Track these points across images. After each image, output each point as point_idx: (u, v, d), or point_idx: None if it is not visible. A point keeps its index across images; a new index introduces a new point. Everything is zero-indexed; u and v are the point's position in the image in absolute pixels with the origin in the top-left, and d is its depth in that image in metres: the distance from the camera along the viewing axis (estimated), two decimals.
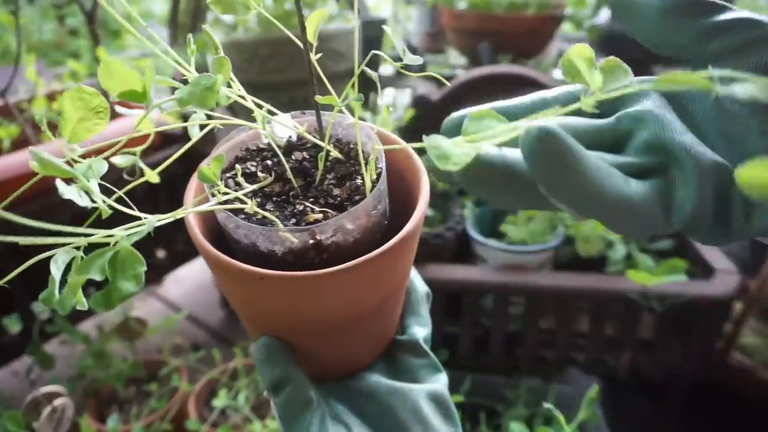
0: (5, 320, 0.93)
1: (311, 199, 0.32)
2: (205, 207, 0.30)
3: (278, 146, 0.35)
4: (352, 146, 0.36)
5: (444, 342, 0.99)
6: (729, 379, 1.11)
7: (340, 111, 0.33)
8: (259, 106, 0.33)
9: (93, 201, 0.25)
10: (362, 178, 0.33)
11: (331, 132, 0.35)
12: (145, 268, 0.24)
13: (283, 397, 0.32)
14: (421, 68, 0.36)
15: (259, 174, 0.33)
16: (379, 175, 0.32)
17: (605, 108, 0.28)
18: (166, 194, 1.07)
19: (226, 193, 0.30)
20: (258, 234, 0.30)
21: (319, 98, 0.32)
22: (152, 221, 0.25)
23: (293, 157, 0.34)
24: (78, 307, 0.25)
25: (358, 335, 0.34)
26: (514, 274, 0.89)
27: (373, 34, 1.62)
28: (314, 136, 0.35)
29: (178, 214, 0.28)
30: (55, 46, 1.68)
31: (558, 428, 0.53)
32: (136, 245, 0.25)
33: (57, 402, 0.72)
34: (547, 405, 0.51)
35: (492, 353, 0.97)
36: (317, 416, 0.32)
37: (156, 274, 1.18)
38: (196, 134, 0.30)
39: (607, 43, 1.90)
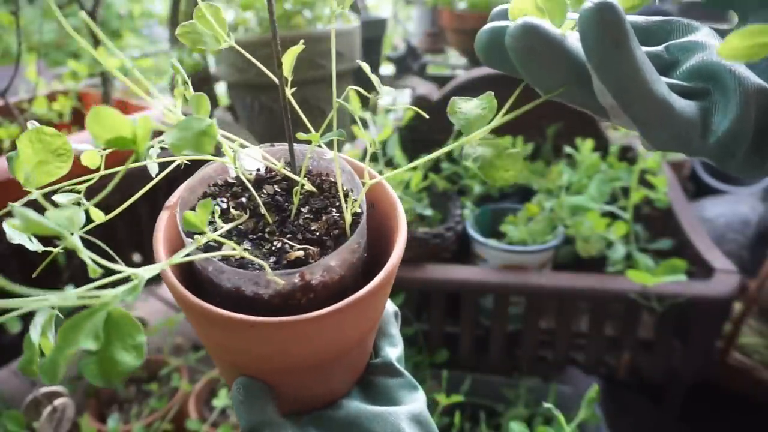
0: (5, 320, 0.93)
1: (288, 235, 0.31)
2: (193, 257, 0.27)
3: (248, 180, 0.34)
4: (324, 178, 0.35)
5: (444, 342, 0.99)
6: (728, 379, 1.11)
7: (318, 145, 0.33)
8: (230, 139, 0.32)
9: (47, 245, 0.22)
10: (338, 211, 0.32)
11: (301, 165, 0.34)
12: (144, 337, 0.21)
13: None
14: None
15: (233, 211, 0.32)
16: (358, 213, 0.32)
17: (654, 40, 0.28)
18: (166, 195, 1.07)
19: (204, 234, 0.28)
20: (246, 279, 0.29)
21: (300, 135, 0.32)
22: (143, 277, 0.22)
23: (264, 191, 0.34)
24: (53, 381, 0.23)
25: (342, 369, 0.34)
26: (514, 274, 0.89)
27: (373, 34, 1.62)
28: (285, 169, 0.34)
29: (162, 265, 0.25)
30: (55, 46, 1.68)
31: (558, 428, 0.53)
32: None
33: (57, 402, 0.72)
34: (547, 405, 0.51)
35: (492, 353, 0.97)
36: None
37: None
38: (154, 169, 0.28)
39: None
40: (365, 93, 0.34)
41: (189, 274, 0.31)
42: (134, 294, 0.21)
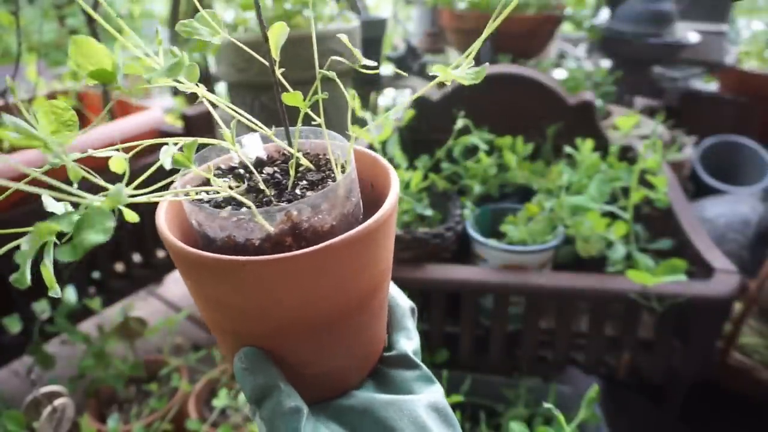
0: (5, 320, 0.93)
1: (284, 202, 0.32)
2: (187, 189, 0.30)
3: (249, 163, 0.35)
4: (320, 156, 0.37)
5: (444, 342, 0.99)
6: (728, 379, 1.11)
7: (308, 119, 0.34)
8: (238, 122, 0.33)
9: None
10: (334, 182, 0.33)
11: (299, 147, 0.36)
12: (113, 223, 0.23)
13: (270, 407, 0.30)
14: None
15: (232, 184, 0.33)
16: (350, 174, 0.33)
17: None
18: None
19: (201, 190, 0.30)
20: (234, 222, 0.29)
21: (285, 96, 0.33)
22: (120, 189, 0.24)
23: (264, 172, 0.35)
24: (53, 292, 0.26)
25: (344, 341, 0.33)
26: (514, 274, 0.89)
27: (373, 34, 1.62)
28: (284, 154, 0.36)
29: (159, 196, 0.28)
30: (55, 46, 1.68)
31: (558, 428, 0.54)
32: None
33: (57, 402, 0.72)
34: (547, 405, 0.51)
35: (492, 353, 0.97)
36: (310, 425, 0.30)
37: (156, 274, 1.18)
38: (167, 164, 0.30)
39: (607, 43, 1.91)
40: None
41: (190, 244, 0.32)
42: (111, 202, 0.23)
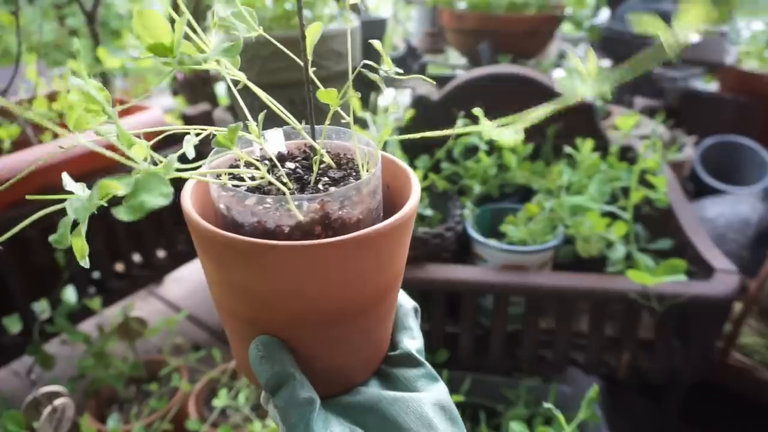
0: (5, 320, 0.93)
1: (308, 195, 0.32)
2: (223, 169, 0.30)
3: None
4: (342, 155, 0.37)
5: (444, 342, 0.99)
6: (729, 379, 1.11)
7: (336, 117, 0.34)
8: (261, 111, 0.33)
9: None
10: (356, 179, 0.34)
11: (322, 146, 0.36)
12: (171, 189, 0.24)
13: (285, 396, 0.30)
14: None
15: (257, 167, 0.33)
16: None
17: None
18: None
19: (233, 177, 0.31)
20: (269, 206, 0.30)
21: (321, 93, 0.33)
22: (173, 158, 0.25)
23: (286, 165, 0.35)
24: (81, 261, 0.26)
25: (355, 336, 0.34)
26: (514, 274, 0.89)
27: (373, 34, 1.62)
28: (305, 151, 0.37)
29: (197, 175, 0.29)
30: (55, 46, 1.68)
31: (558, 428, 0.54)
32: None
33: (57, 402, 0.72)
34: (547, 405, 0.51)
35: (492, 353, 0.97)
36: (321, 416, 0.31)
37: (156, 274, 1.18)
38: (190, 152, 0.31)
39: (607, 43, 1.90)
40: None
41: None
42: (166, 169, 0.24)
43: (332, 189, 0.31)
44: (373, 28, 1.63)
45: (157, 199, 0.23)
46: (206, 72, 1.37)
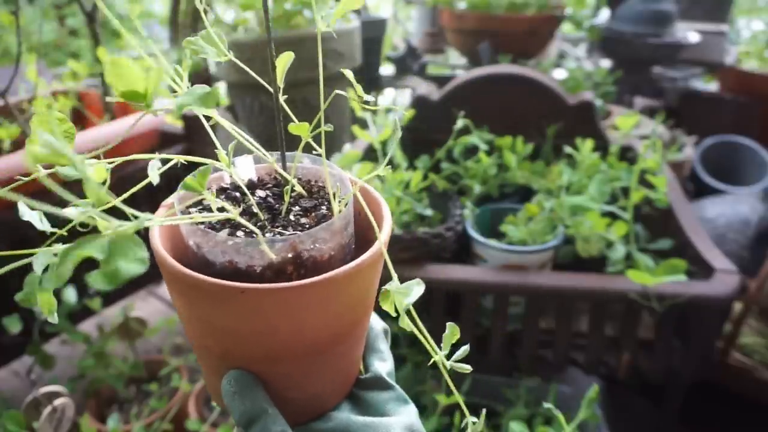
0: (5, 320, 0.93)
1: (279, 228, 0.32)
2: (192, 217, 0.29)
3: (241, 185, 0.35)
4: (313, 183, 0.37)
5: None
6: (729, 379, 1.11)
7: (307, 147, 0.34)
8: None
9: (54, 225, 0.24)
10: (328, 209, 0.33)
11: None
12: (147, 253, 0.23)
13: (257, 431, 0.30)
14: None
15: (227, 206, 0.33)
16: (346, 207, 0.33)
17: None
18: (165, 196, 1.07)
19: (202, 210, 0.30)
20: (239, 247, 0.29)
21: (292, 126, 0.33)
22: (142, 220, 0.24)
23: (257, 194, 0.35)
24: (48, 316, 0.25)
25: (329, 366, 0.34)
26: (514, 274, 0.89)
27: (373, 34, 1.62)
28: (276, 177, 0.36)
29: (165, 221, 0.28)
30: (55, 46, 1.68)
31: (558, 428, 0.54)
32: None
33: (57, 402, 0.72)
34: (547, 405, 0.51)
35: (492, 353, 0.97)
36: None
37: (156, 274, 1.18)
38: (155, 179, 0.30)
39: (607, 43, 1.91)
40: (365, 93, 0.34)
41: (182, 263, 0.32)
42: (130, 230, 0.23)
43: (302, 233, 0.30)
44: (373, 28, 1.63)
45: (133, 265, 0.22)
46: (206, 72, 1.37)
